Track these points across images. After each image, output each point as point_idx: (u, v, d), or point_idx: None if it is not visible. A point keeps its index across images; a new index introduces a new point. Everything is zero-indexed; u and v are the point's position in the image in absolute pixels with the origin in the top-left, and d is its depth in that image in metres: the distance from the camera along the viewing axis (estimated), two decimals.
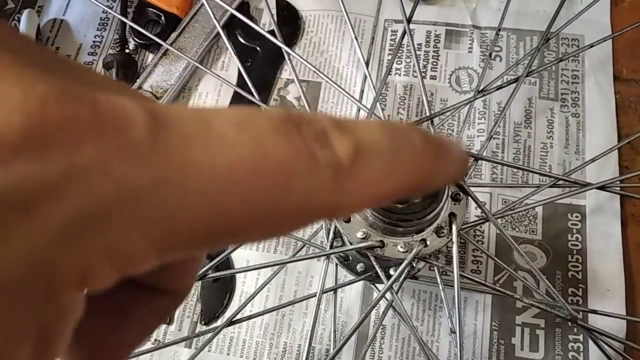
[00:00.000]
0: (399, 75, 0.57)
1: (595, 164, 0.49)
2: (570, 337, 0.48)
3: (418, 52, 0.58)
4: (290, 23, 0.59)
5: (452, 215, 0.36)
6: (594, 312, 0.43)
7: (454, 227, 0.35)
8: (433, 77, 0.57)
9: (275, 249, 0.51)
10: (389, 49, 0.58)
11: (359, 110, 0.47)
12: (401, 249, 0.35)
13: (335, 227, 0.36)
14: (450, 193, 0.36)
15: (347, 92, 0.42)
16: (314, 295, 0.39)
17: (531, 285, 0.45)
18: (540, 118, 0.55)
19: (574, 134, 0.54)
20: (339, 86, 0.42)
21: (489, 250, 0.50)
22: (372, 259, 0.36)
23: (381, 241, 0.35)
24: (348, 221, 0.36)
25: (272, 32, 0.46)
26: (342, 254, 0.44)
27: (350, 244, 0.36)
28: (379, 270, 0.36)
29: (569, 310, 0.35)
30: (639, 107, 0.55)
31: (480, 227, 0.51)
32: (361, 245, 0.35)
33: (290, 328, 0.49)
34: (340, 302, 0.49)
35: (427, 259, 0.37)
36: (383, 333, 0.49)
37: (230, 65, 0.59)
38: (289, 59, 0.43)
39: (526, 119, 0.55)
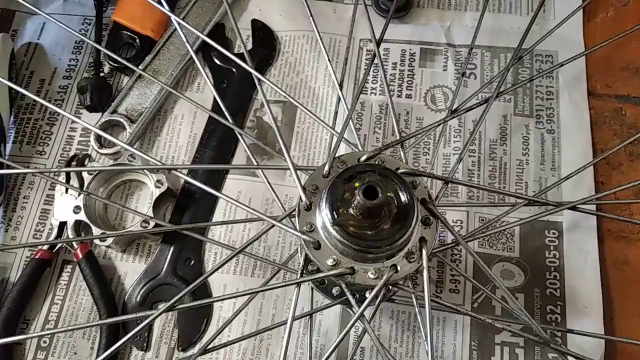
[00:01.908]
0: (375, 94, 0.57)
1: (571, 180, 0.49)
2: (550, 355, 0.47)
3: (393, 71, 0.58)
4: (266, 44, 0.59)
5: (422, 240, 0.35)
6: (571, 331, 0.43)
7: (424, 252, 0.35)
8: (408, 96, 0.57)
9: (253, 272, 0.51)
10: (365, 69, 0.58)
11: (332, 135, 0.47)
12: (372, 276, 0.35)
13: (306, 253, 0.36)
14: (420, 217, 0.36)
15: (318, 117, 0.42)
16: (284, 323, 0.39)
17: (508, 305, 0.45)
18: (515, 135, 0.55)
19: (550, 151, 0.54)
20: (310, 111, 0.41)
21: (466, 270, 0.50)
22: (343, 285, 0.36)
23: (352, 268, 0.35)
24: (318, 248, 0.35)
25: (244, 56, 0.45)
26: (317, 279, 0.43)
27: (320, 270, 0.36)
28: (350, 297, 0.36)
29: (542, 334, 0.35)
30: (614, 122, 0.55)
31: (458, 246, 0.51)
32: (331, 273, 0.34)
33: (268, 353, 0.48)
34: (318, 324, 0.49)
35: (399, 284, 0.37)
36: (362, 355, 0.48)
37: (206, 86, 0.59)
38: (259, 84, 0.43)
39: (501, 136, 0.55)
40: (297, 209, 0.36)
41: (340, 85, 0.46)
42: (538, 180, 0.53)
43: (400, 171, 0.36)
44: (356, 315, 0.34)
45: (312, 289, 0.45)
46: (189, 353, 0.48)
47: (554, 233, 0.51)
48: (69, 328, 0.45)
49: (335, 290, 0.43)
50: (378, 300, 0.39)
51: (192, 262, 0.51)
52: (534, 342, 0.47)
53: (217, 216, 0.53)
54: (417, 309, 0.44)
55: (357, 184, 0.35)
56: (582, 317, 0.48)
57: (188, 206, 0.53)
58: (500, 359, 0.47)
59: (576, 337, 0.47)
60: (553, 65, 0.57)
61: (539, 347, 0.48)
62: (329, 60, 0.46)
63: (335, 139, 0.50)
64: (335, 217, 0.34)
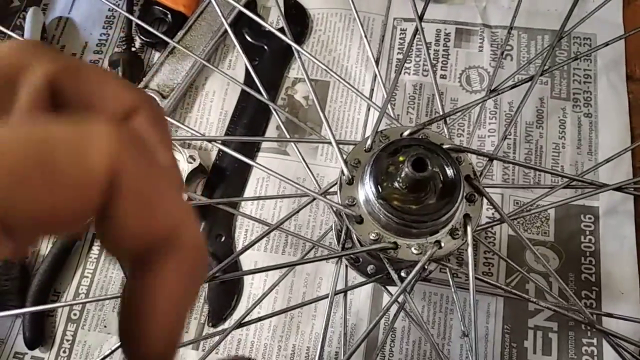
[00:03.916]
0: (409, 74, 0.56)
1: (608, 164, 0.48)
2: (584, 340, 0.47)
3: (428, 51, 0.57)
4: (298, 21, 0.59)
5: (466, 217, 0.35)
6: (610, 315, 0.42)
7: (469, 229, 0.34)
8: (443, 77, 0.56)
9: (284, 250, 0.51)
10: (398, 48, 0.57)
11: (368, 109, 0.46)
12: (415, 251, 0.34)
13: (347, 228, 0.35)
14: (465, 194, 0.35)
15: (359, 91, 0.41)
16: (324, 297, 0.39)
17: (544, 287, 0.44)
18: (552, 118, 0.54)
19: (587, 134, 0.53)
20: (352, 85, 0.41)
21: (500, 252, 0.49)
22: (384, 260, 0.35)
23: (395, 243, 0.34)
24: (360, 222, 0.35)
25: (280, 30, 0.45)
26: (352, 256, 0.43)
27: (362, 245, 0.35)
28: (392, 272, 0.35)
29: (587, 315, 0.35)
30: None
31: (492, 228, 0.50)
32: (375, 247, 0.34)
33: (299, 330, 0.48)
34: (350, 304, 0.48)
35: (440, 261, 0.36)
36: (393, 336, 0.48)
37: (237, 64, 0.58)
38: (299, 56, 0.42)
39: (538, 119, 0.54)
40: (339, 182, 0.36)
41: (377, 62, 0.45)
42: (574, 165, 0.52)
43: (445, 146, 0.36)
44: (400, 288, 0.33)
45: (346, 267, 0.44)
46: (219, 328, 0.48)
47: (589, 218, 0.50)
48: (100, 298, 0.45)
49: (370, 269, 0.43)
50: (415, 279, 0.39)
51: (223, 238, 0.51)
52: (570, 326, 0.46)
53: (248, 194, 0.53)
54: (453, 289, 0.43)
55: (402, 158, 0.34)
56: (618, 303, 0.47)
57: (219, 183, 0.53)
58: (534, 343, 0.47)
59: (611, 323, 0.46)
60: (592, 48, 0.55)
61: (573, 332, 0.47)
62: (365, 36, 0.45)
63: (372, 112, 0.49)
64: (380, 190, 0.34)
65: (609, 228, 0.50)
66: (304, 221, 0.51)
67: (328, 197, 0.39)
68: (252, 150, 0.54)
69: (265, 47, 0.58)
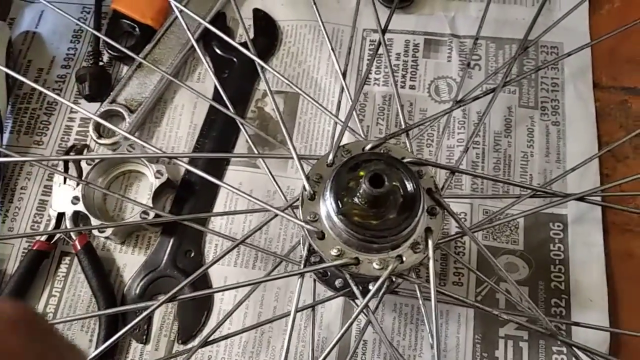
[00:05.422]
0: (378, 85, 0.56)
1: (576, 172, 0.48)
2: (554, 349, 0.47)
3: (397, 62, 0.57)
4: (268, 33, 0.59)
5: (428, 230, 0.35)
6: (577, 324, 0.42)
7: (430, 243, 0.34)
8: (412, 87, 0.56)
9: (254, 264, 0.50)
10: (368, 59, 0.58)
11: (336, 124, 0.46)
12: (377, 266, 0.34)
13: (309, 243, 0.35)
14: (426, 207, 0.35)
15: (322, 106, 0.41)
16: (288, 314, 0.38)
17: (513, 298, 0.44)
18: (520, 127, 0.54)
19: (555, 143, 0.54)
20: (314, 99, 0.41)
21: (470, 262, 0.50)
22: (347, 276, 0.35)
23: (356, 258, 0.34)
24: (322, 238, 0.35)
25: (247, 44, 0.45)
26: (320, 270, 0.43)
27: (324, 261, 0.35)
28: (354, 287, 0.35)
29: (549, 326, 0.35)
30: (619, 115, 0.55)
31: (462, 238, 0.50)
32: (335, 263, 0.34)
33: (269, 346, 0.47)
34: (320, 317, 0.48)
35: (404, 275, 0.36)
36: (364, 348, 0.48)
37: (206, 76, 0.58)
38: (262, 72, 0.42)
39: (506, 128, 0.54)
40: (300, 198, 0.36)
41: (344, 75, 0.45)
42: (543, 173, 0.53)
43: (406, 160, 0.36)
44: (361, 306, 0.33)
45: (314, 280, 0.44)
46: (189, 346, 0.48)
47: (558, 226, 0.51)
48: (68, 319, 0.44)
49: (338, 282, 0.43)
50: (382, 292, 0.39)
51: (192, 254, 0.50)
52: (540, 334, 0.46)
53: (218, 208, 0.52)
54: (420, 301, 0.43)
55: (362, 173, 0.34)
56: (587, 310, 0.47)
57: (188, 198, 0.52)
58: (504, 352, 0.47)
59: (580, 331, 0.46)
60: (558, 57, 0.56)
61: (544, 341, 0.47)
62: (332, 49, 0.45)
63: (338, 127, 0.49)
64: (340, 206, 0.34)
65: (578, 236, 0.50)
66: (274, 235, 0.51)
67: (296, 211, 0.39)
68: (222, 163, 0.54)
69: (235, 59, 0.57)
